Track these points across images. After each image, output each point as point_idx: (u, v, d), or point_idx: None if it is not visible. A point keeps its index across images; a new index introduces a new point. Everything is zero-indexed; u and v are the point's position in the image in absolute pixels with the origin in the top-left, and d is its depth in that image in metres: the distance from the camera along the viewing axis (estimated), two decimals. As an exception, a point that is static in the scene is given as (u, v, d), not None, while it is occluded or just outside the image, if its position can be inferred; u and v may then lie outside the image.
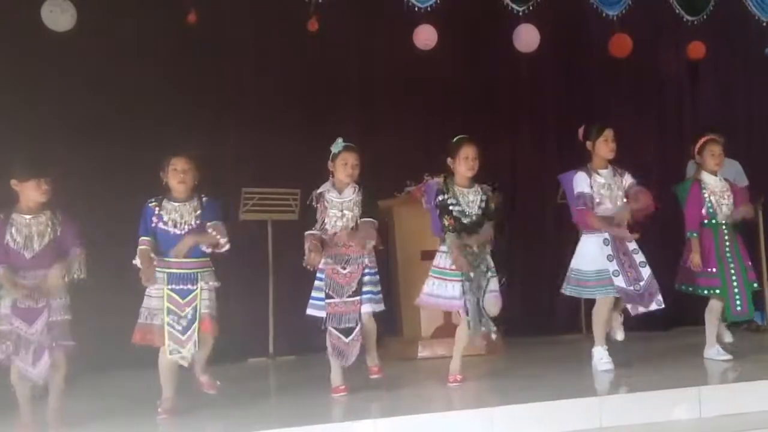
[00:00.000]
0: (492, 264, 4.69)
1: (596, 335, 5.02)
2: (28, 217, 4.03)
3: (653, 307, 4.90)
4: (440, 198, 4.67)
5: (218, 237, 4.22)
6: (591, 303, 5.17)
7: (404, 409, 4.11)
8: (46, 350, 3.93)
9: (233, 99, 6.53)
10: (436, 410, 4.11)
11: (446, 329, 5.82)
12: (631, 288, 4.86)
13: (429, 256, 5.88)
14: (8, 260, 3.95)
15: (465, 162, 4.67)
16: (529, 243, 7.07)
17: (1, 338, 3.92)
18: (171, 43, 6.27)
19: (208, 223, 4.25)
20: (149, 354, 4.37)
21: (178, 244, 4.16)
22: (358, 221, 4.52)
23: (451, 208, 4.62)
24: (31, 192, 4.01)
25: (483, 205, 4.68)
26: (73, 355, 4.10)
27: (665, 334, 6.68)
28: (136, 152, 5.96)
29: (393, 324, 6.05)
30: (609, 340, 5.05)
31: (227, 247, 4.27)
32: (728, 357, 5.10)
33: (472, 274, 4.57)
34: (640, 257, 4.95)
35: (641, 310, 4.90)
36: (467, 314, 4.55)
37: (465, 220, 4.63)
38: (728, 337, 5.67)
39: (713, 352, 5.17)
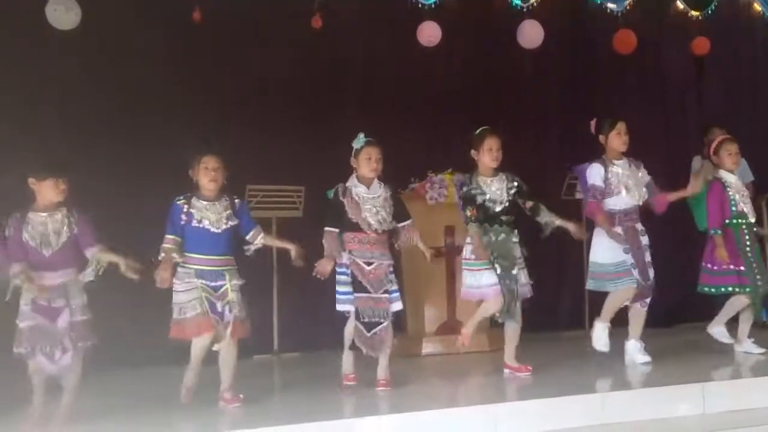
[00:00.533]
0: (520, 254, 4.74)
1: (604, 314, 5.00)
2: (43, 215, 4.08)
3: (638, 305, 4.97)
4: (464, 189, 4.72)
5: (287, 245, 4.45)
6: (594, 299, 5.18)
7: (408, 406, 4.13)
8: (70, 350, 3.99)
9: (237, 96, 6.53)
10: (439, 407, 4.12)
11: (450, 326, 5.84)
12: (643, 282, 4.88)
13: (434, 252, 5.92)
14: (27, 258, 3.99)
15: (489, 153, 4.73)
16: (531, 239, 7.06)
17: (23, 334, 3.97)
18: (175, 41, 6.27)
19: (252, 231, 4.42)
20: (157, 353, 4.41)
21: (268, 238, 4.47)
22: (400, 224, 4.61)
23: (477, 198, 4.66)
24: (48, 191, 4.06)
25: (513, 191, 4.74)
26: (86, 356, 4.14)
27: (668, 330, 6.67)
28: (140, 150, 5.99)
29: (397, 321, 6.05)
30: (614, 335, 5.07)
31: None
32: (731, 341, 5.11)
33: (501, 262, 4.62)
34: (648, 256, 4.98)
35: (637, 306, 4.92)
36: (504, 300, 4.60)
37: (496, 208, 4.67)
38: (727, 339, 5.61)
39: (717, 330, 5.20)
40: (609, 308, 5.02)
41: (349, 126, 5.00)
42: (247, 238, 4.43)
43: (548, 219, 4.79)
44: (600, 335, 4.99)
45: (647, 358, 4.96)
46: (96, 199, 5.58)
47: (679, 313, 6.82)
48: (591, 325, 5.17)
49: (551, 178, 6.62)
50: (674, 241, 6.46)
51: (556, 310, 7.12)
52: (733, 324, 5.30)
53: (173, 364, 4.59)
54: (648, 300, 4.97)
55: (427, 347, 5.94)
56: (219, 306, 4.21)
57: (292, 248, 4.42)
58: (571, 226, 4.81)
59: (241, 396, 4.34)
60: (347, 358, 4.57)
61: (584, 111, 6.01)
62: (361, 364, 4.60)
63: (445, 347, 5.79)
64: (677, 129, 7.68)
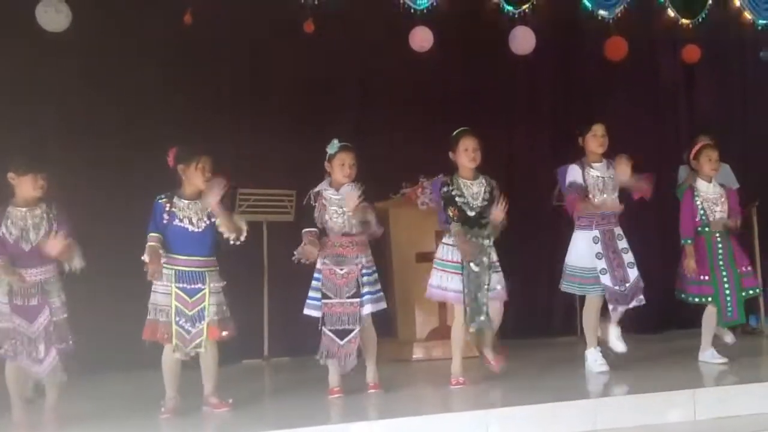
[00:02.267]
0: (495, 258, 4.72)
1: (588, 337, 5.06)
2: (23, 209, 4.07)
3: (633, 304, 4.96)
4: (444, 189, 4.71)
5: (242, 224, 4.30)
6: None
7: (400, 411, 4.11)
8: (53, 348, 3.96)
9: (229, 100, 6.52)
10: (431, 412, 4.11)
11: (441, 331, 5.83)
12: (617, 288, 4.90)
13: (424, 258, 5.91)
14: (6, 252, 3.98)
15: (465, 154, 4.72)
16: (524, 245, 7.07)
17: (3, 335, 3.95)
18: (166, 44, 6.25)
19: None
20: (143, 356, 4.37)
21: (207, 196, 4.17)
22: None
23: (456, 199, 4.66)
24: (27, 186, 4.06)
25: (487, 196, 4.71)
26: (69, 356, 4.10)
27: (659, 336, 6.69)
28: (131, 152, 5.97)
29: (388, 326, 6.04)
30: (603, 345, 5.07)
31: (243, 238, 4.32)
32: (723, 360, 5.11)
33: (474, 267, 4.59)
34: (629, 257, 5.00)
35: (620, 309, 4.93)
36: (465, 308, 4.57)
37: (469, 213, 4.66)
38: (729, 338, 5.66)
39: (708, 354, 5.19)
40: (589, 331, 5.06)
41: (340, 131, 4.99)
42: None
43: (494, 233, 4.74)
44: (594, 359, 5.00)
45: (623, 347, 4.99)
46: (86, 199, 5.59)
47: (669, 319, 6.83)
48: (583, 331, 5.18)
49: (543, 184, 6.63)
50: (663, 248, 6.47)
51: (548, 316, 7.13)
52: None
53: (160, 368, 4.54)
54: (631, 303, 4.95)
55: (418, 352, 5.93)
56: (190, 318, 4.15)
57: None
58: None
59: (230, 401, 4.31)
60: (332, 369, 4.55)
61: (575, 117, 6.02)
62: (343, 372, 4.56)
63: (436, 352, 5.78)
64: (667, 136, 7.70)
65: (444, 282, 4.68)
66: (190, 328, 4.16)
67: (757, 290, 5.33)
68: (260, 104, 6.54)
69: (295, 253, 4.47)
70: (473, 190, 4.72)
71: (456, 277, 4.63)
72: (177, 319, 4.15)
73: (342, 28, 6.70)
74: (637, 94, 7.54)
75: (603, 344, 5.08)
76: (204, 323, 4.17)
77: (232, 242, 4.28)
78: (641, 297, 4.97)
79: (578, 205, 4.96)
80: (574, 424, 3.99)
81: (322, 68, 6.68)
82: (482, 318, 4.62)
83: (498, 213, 4.67)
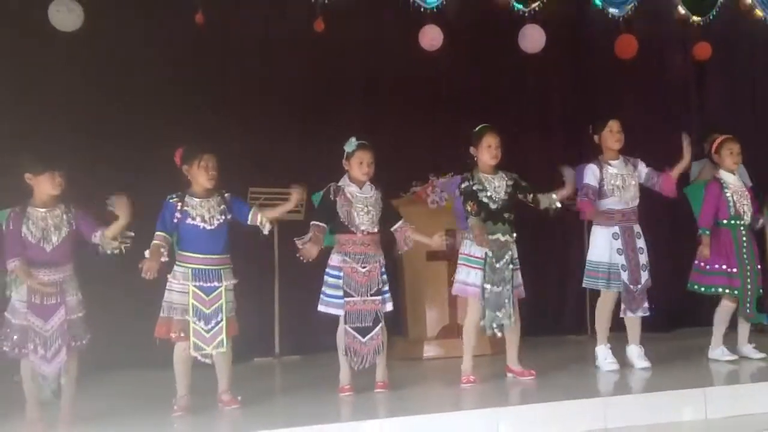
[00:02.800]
0: (516, 255, 4.73)
1: (598, 334, 5.06)
2: (43, 210, 4.07)
3: (639, 314, 4.97)
4: (464, 185, 4.72)
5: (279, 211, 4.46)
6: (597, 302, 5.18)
7: (410, 410, 4.12)
8: (64, 348, 3.97)
9: (239, 98, 6.53)
10: (441, 411, 4.12)
11: (452, 329, 5.84)
12: (631, 287, 4.89)
13: (434, 256, 5.93)
14: (26, 254, 3.98)
15: (488, 150, 4.74)
16: (534, 243, 7.05)
17: (12, 331, 3.96)
18: (177, 43, 6.27)
19: (249, 214, 4.37)
20: (157, 354, 4.39)
21: (266, 212, 4.38)
22: (393, 228, 4.63)
23: (479, 194, 4.68)
24: (45, 185, 4.06)
25: (510, 189, 4.74)
26: (83, 354, 4.13)
27: (670, 335, 6.67)
28: (141, 151, 5.98)
29: (398, 324, 6.06)
30: (612, 339, 5.08)
31: (269, 227, 4.41)
32: (733, 357, 5.10)
33: (496, 264, 4.61)
34: (643, 259, 5.00)
35: (629, 315, 4.93)
36: (483, 303, 4.58)
37: (492, 206, 4.68)
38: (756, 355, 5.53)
39: (718, 352, 5.17)
40: (600, 327, 5.07)
41: (351, 129, 5.00)
42: (248, 223, 4.39)
43: (549, 202, 4.86)
44: (604, 357, 5.00)
45: (647, 363, 4.97)
46: (97, 198, 5.61)
47: (680, 317, 6.81)
48: (593, 330, 5.19)
49: (553, 182, 6.60)
50: (675, 245, 6.46)
51: (559, 314, 7.12)
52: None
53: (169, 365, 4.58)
54: (637, 312, 4.95)
55: (429, 350, 5.94)
56: (207, 316, 4.17)
57: (293, 195, 4.43)
58: (565, 190, 4.89)
59: (239, 398, 4.33)
60: (344, 367, 4.56)
61: (586, 116, 6.01)
62: (361, 368, 4.57)
63: (446, 350, 5.78)
64: (678, 134, 7.66)
65: (468, 277, 4.70)
66: (208, 327, 4.17)
67: (760, 291, 5.30)
68: (270, 103, 6.56)
69: (298, 244, 4.46)
70: (495, 183, 4.74)
71: (477, 272, 4.65)
72: (195, 318, 4.16)
73: (352, 26, 6.71)
74: (647, 93, 7.51)
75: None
76: (222, 320, 4.19)
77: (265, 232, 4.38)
78: (646, 306, 4.98)
79: (587, 211, 4.98)
80: (585, 423, 4.00)
81: (332, 67, 6.69)
82: (500, 314, 4.61)
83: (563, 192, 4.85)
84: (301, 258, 4.44)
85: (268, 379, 5.67)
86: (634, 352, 5.03)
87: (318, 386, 4.85)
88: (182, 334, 4.17)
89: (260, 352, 6.27)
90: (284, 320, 6.33)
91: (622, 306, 4.95)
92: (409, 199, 6.05)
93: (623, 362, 4.99)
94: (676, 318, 6.87)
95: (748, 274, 5.09)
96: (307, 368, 5.86)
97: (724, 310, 5.17)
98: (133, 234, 4.18)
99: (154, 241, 4.19)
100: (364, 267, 4.50)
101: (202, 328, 4.16)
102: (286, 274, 6.26)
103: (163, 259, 4.17)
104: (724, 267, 5.09)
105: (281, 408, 4.58)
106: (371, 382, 4.61)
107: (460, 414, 4.07)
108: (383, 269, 4.58)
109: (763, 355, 5.13)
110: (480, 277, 4.63)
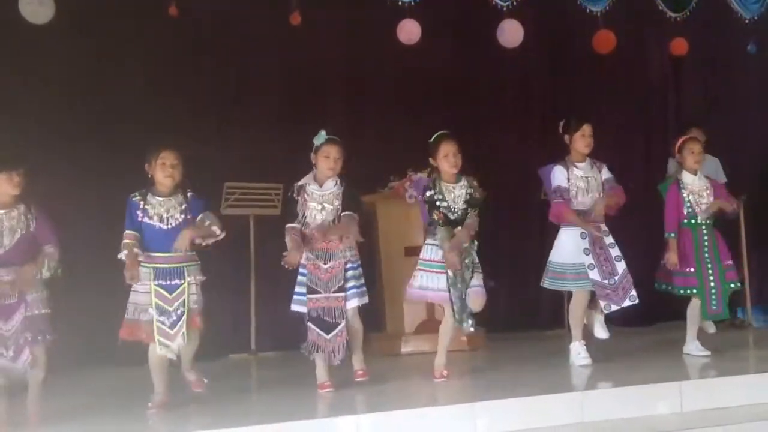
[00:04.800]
0: (476, 259, 4.70)
1: (573, 330, 5.08)
2: (1, 211, 3.99)
3: (626, 303, 4.97)
4: (428, 194, 4.68)
5: (213, 227, 4.19)
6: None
7: (387, 405, 4.10)
8: (27, 345, 3.90)
9: (215, 93, 6.48)
10: (419, 406, 4.09)
11: (429, 325, 5.81)
12: (606, 281, 4.92)
13: (412, 251, 5.88)
14: None
15: (446, 159, 4.67)
16: (512, 239, 7.07)
17: None
18: (152, 37, 6.20)
19: (199, 216, 4.21)
20: (129, 351, 4.34)
21: (178, 239, 4.09)
22: (340, 214, 4.49)
23: (437, 203, 4.63)
24: (3, 185, 4.00)
25: (467, 197, 4.68)
26: (53, 352, 4.07)
27: (646, 329, 6.71)
28: (117, 147, 5.90)
29: (376, 320, 6.04)
30: (589, 336, 5.09)
31: (223, 235, 4.24)
32: (707, 353, 5.13)
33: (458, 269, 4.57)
34: (615, 251, 5.02)
35: (614, 308, 4.95)
36: (452, 307, 4.55)
37: (451, 216, 4.63)
38: (711, 328, 5.71)
39: (693, 347, 5.21)
40: (574, 323, 5.07)
41: (328, 123, 4.95)
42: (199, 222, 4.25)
43: (466, 236, 4.61)
44: (577, 352, 5.01)
45: (606, 335, 5.03)
46: (70, 197, 5.54)
47: (657, 311, 6.84)
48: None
49: (531, 177, 6.61)
50: (649, 242, 6.48)
51: (536, 310, 7.13)
52: (716, 322, 5.32)
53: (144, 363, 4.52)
54: (622, 303, 4.95)
55: (407, 346, 5.92)
56: (171, 312, 4.11)
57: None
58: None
59: (206, 380, 4.29)
60: (319, 364, 4.52)
61: (563, 110, 6.02)
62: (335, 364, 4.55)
63: (424, 346, 5.76)
64: (655, 129, 7.72)
65: (427, 282, 4.63)
66: (170, 322, 4.11)
67: (738, 284, 5.33)
68: (246, 97, 6.51)
69: (282, 261, 4.40)
70: (455, 193, 4.67)
71: (442, 277, 4.59)
72: (158, 315, 4.10)
73: (329, 20, 6.67)
74: (625, 88, 7.55)
75: (588, 331, 5.09)
76: (184, 315, 4.12)
77: (212, 240, 4.22)
78: (634, 294, 4.95)
79: (565, 214, 4.96)
80: (562, 417, 4.00)
81: (309, 61, 6.65)
82: (466, 316, 4.59)
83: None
84: (287, 266, 4.38)
85: (244, 376, 5.63)
86: (598, 320, 5.05)
87: (294, 382, 4.82)
88: (151, 335, 4.11)
89: (236, 349, 6.23)
90: (260, 316, 6.28)
91: (602, 303, 4.95)
92: (387, 194, 6.03)
93: (596, 358, 4.99)
94: (655, 313, 6.90)
95: (710, 271, 5.11)
96: (284, 364, 5.82)
97: (694, 307, 5.21)
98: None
99: (125, 241, 4.11)
100: (326, 263, 4.45)
101: (166, 325, 4.10)
102: (261, 270, 6.21)
103: (140, 258, 4.10)
104: (682, 268, 5.12)
105: (257, 404, 4.55)
106: (349, 378, 4.58)
107: (437, 409, 4.04)
108: (352, 264, 4.51)
109: (708, 353, 5.13)
110: (444, 280, 4.57)
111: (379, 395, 4.44)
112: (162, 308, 4.11)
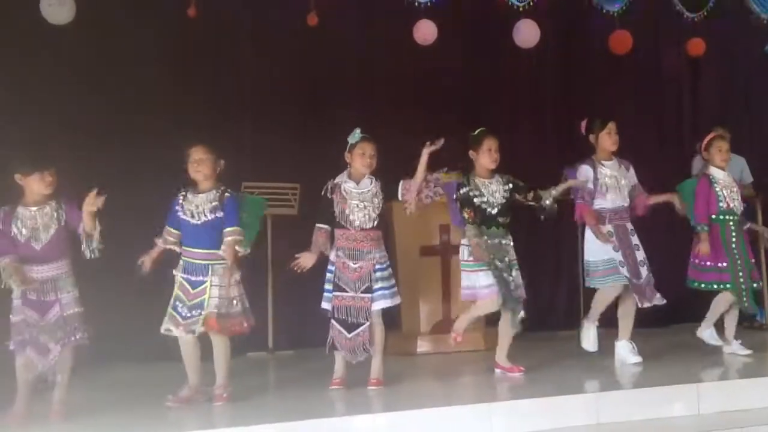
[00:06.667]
0: (514, 256, 4.73)
1: (592, 311, 5.08)
2: (33, 209, 4.07)
3: (656, 301, 4.99)
4: (462, 191, 4.69)
5: (232, 255, 4.22)
6: (589, 299, 5.19)
7: (403, 405, 4.12)
8: (59, 344, 3.98)
9: (232, 93, 6.51)
10: (434, 405, 4.11)
11: (445, 325, 5.83)
12: (634, 280, 4.90)
13: (428, 252, 5.93)
14: (16, 251, 3.99)
15: (488, 154, 4.72)
16: (527, 239, 7.06)
17: (15, 329, 3.98)
18: (170, 37, 6.25)
19: (226, 230, 4.23)
20: (151, 347, 4.38)
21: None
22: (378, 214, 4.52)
23: (475, 200, 4.64)
24: (35, 185, 4.05)
25: (507, 194, 4.72)
26: (81, 349, 4.12)
27: (664, 330, 6.68)
28: (135, 146, 5.96)
29: (392, 319, 6.04)
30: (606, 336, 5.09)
31: (247, 252, 4.35)
32: (720, 343, 5.13)
33: (498, 263, 4.60)
34: (640, 255, 5.02)
35: (646, 304, 4.94)
36: (503, 302, 4.59)
37: (491, 210, 4.66)
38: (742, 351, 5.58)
39: (707, 334, 5.22)
40: (596, 308, 5.08)
41: (344, 123, 4.98)
42: (224, 232, 4.28)
43: (550, 199, 4.75)
44: (587, 334, 5.04)
45: (638, 359, 4.97)
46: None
47: (674, 312, 6.80)
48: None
49: (547, 177, 6.59)
50: (669, 241, 6.46)
51: (551, 310, 7.12)
52: (722, 326, 5.31)
53: (170, 359, 4.57)
54: (653, 301, 4.97)
55: (422, 346, 5.93)
56: (188, 306, 4.18)
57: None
58: (565, 185, 4.84)
59: (225, 395, 4.27)
60: (338, 360, 4.56)
61: (580, 111, 6.00)
62: (356, 362, 4.57)
63: (440, 346, 5.78)
64: (672, 129, 7.69)
65: (473, 282, 4.68)
66: (186, 314, 4.17)
67: (760, 283, 5.33)
68: (263, 98, 6.54)
69: (293, 262, 4.44)
70: (491, 188, 4.72)
71: (483, 274, 4.62)
72: (175, 303, 4.19)
73: (345, 21, 6.69)
74: (641, 88, 7.52)
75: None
76: (202, 314, 4.17)
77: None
78: (659, 296, 4.99)
79: (586, 216, 4.97)
80: (578, 418, 4.00)
81: (326, 62, 6.67)
82: (517, 312, 4.63)
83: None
84: (296, 269, 4.41)
85: (261, 374, 5.65)
86: (626, 347, 5.02)
87: (311, 381, 4.84)
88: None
89: (254, 347, 6.25)
90: (277, 315, 6.31)
91: (636, 297, 4.94)
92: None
93: (614, 358, 4.97)
94: (671, 313, 6.86)
95: (740, 266, 5.10)
96: (301, 363, 5.86)
97: (724, 298, 5.18)
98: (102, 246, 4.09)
99: (163, 235, 4.29)
100: (355, 263, 4.47)
101: (178, 314, 4.18)
102: (279, 269, 6.24)
103: (170, 247, 4.26)
104: (715, 263, 5.11)
105: (274, 402, 4.57)
106: (365, 377, 4.60)
107: (452, 409, 4.05)
108: (381, 266, 4.53)
109: (749, 351, 5.13)
110: (489, 276, 4.60)
111: (396, 394, 4.45)
112: (181, 299, 4.20)
